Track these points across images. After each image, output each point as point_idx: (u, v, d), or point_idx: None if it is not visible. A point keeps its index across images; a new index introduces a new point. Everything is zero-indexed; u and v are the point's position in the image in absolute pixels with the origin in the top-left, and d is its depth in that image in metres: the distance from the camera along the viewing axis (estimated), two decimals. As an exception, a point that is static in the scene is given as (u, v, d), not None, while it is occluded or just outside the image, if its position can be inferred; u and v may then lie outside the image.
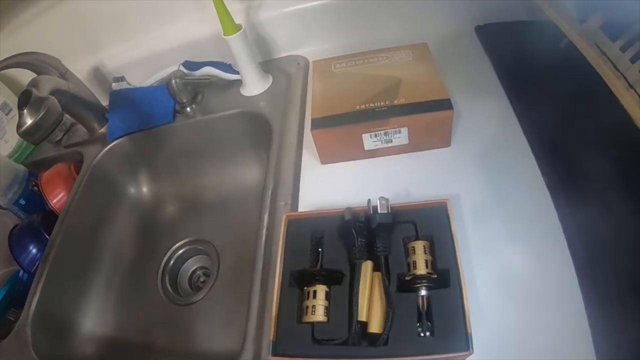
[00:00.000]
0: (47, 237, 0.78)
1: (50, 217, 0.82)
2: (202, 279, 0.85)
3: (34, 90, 0.65)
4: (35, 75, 0.79)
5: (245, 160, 0.89)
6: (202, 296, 0.78)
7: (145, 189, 0.95)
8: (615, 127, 0.55)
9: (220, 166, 0.91)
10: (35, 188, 0.86)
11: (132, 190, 0.93)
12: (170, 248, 0.87)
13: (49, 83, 0.72)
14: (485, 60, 0.80)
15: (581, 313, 0.48)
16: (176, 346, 0.74)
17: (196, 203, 0.92)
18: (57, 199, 0.84)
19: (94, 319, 0.77)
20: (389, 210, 0.52)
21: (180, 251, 0.87)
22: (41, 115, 0.64)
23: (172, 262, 0.85)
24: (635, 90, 0.50)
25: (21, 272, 0.78)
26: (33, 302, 0.68)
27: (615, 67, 0.54)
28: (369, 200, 0.53)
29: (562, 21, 0.63)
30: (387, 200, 0.52)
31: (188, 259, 0.87)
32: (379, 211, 0.51)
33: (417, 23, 0.87)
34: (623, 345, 0.45)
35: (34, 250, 0.78)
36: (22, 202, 0.85)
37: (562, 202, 0.57)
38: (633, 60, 0.52)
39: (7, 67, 0.78)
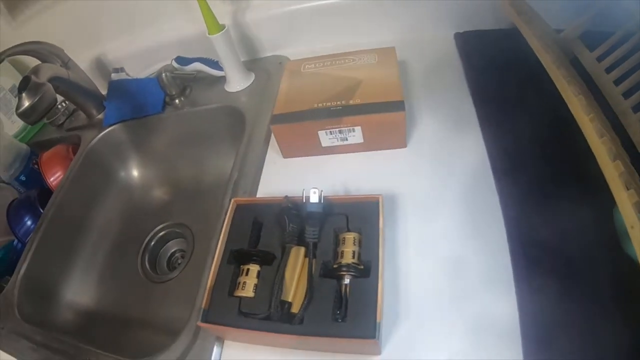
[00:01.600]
0: (42, 210, 0.84)
1: (46, 193, 0.89)
2: (179, 261, 0.90)
3: (32, 77, 0.72)
4: (40, 62, 0.86)
5: (225, 152, 0.94)
6: (176, 275, 0.84)
7: (134, 173, 1.01)
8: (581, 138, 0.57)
9: (203, 155, 0.97)
10: (36, 166, 0.94)
11: (122, 173, 1.00)
12: (152, 230, 0.93)
13: (48, 71, 0.79)
14: (459, 67, 0.81)
15: (514, 316, 0.48)
16: (145, 318, 0.79)
17: (180, 189, 0.98)
18: (54, 177, 0.91)
19: (76, 289, 0.83)
20: (321, 201, 0.56)
21: (161, 233, 0.93)
22: (37, 99, 0.70)
23: (153, 243, 0.91)
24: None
25: (15, 242, 0.85)
26: (22, 268, 0.75)
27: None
28: (303, 190, 0.57)
29: (524, 28, 0.64)
30: (320, 191, 0.56)
31: (168, 241, 0.93)
32: (310, 201, 0.56)
33: (399, 29, 0.90)
34: (552, 345, 0.46)
35: (29, 222, 0.85)
36: (23, 178, 0.93)
37: (510, 208, 0.58)
38: (609, 70, 0.53)
39: (15, 54, 0.86)
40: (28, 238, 0.81)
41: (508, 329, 0.47)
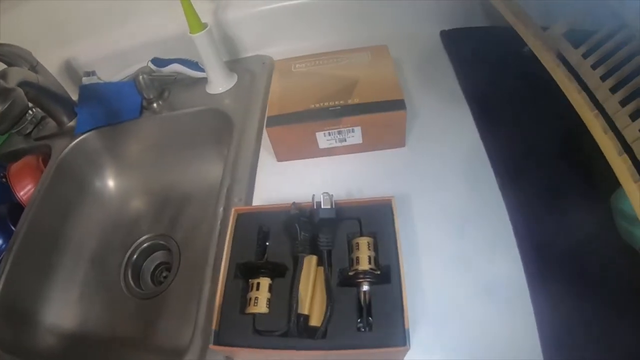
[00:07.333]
0: (14, 228, 0.78)
1: (17, 209, 0.83)
2: (164, 274, 0.86)
3: (1, 82, 0.67)
4: (5, 66, 0.80)
5: (209, 157, 0.90)
6: (163, 290, 0.79)
7: (111, 183, 0.95)
8: (568, 130, 0.57)
9: (185, 162, 0.92)
10: (4, 180, 0.87)
11: (98, 184, 0.94)
12: (134, 242, 0.88)
13: (17, 75, 0.73)
14: (448, 65, 0.81)
15: (529, 311, 0.49)
16: (135, 338, 0.75)
17: (161, 198, 0.93)
18: (24, 191, 0.85)
19: (56, 311, 0.77)
20: (333, 206, 0.53)
21: (144, 245, 0.88)
22: (7, 105, 0.64)
23: (135, 256, 0.86)
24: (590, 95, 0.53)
25: (-14, 262, 0.79)
26: (-4, 293, 0.69)
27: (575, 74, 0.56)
28: (313, 196, 0.54)
29: (522, 28, 0.65)
30: (331, 196, 0.53)
31: (151, 254, 0.88)
32: (322, 206, 0.53)
33: (383, 26, 0.89)
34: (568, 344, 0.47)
35: (0, 241, 0.79)
36: (-10, 193, 0.86)
37: (512, 202, 0.59)
38: (594, 66, 0.54)
39: (-22, 57, 0.80)
40: (0, 258, 0.75)
41: (525, 326, 0.49)
